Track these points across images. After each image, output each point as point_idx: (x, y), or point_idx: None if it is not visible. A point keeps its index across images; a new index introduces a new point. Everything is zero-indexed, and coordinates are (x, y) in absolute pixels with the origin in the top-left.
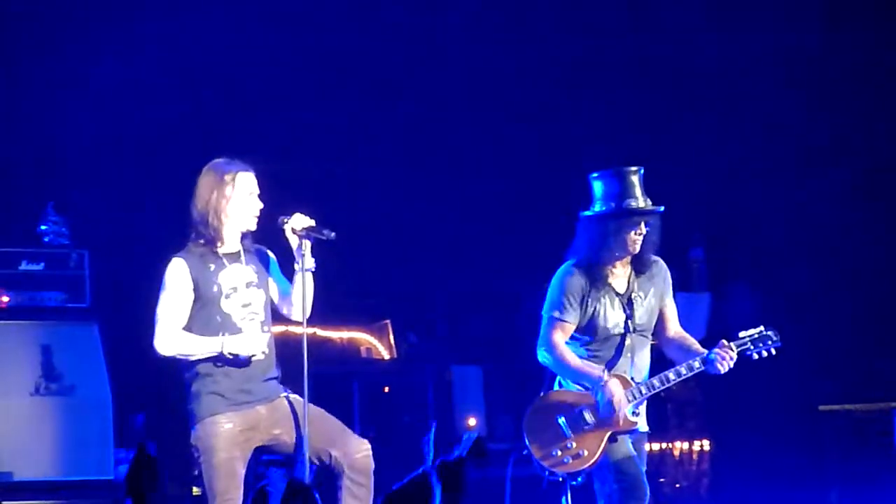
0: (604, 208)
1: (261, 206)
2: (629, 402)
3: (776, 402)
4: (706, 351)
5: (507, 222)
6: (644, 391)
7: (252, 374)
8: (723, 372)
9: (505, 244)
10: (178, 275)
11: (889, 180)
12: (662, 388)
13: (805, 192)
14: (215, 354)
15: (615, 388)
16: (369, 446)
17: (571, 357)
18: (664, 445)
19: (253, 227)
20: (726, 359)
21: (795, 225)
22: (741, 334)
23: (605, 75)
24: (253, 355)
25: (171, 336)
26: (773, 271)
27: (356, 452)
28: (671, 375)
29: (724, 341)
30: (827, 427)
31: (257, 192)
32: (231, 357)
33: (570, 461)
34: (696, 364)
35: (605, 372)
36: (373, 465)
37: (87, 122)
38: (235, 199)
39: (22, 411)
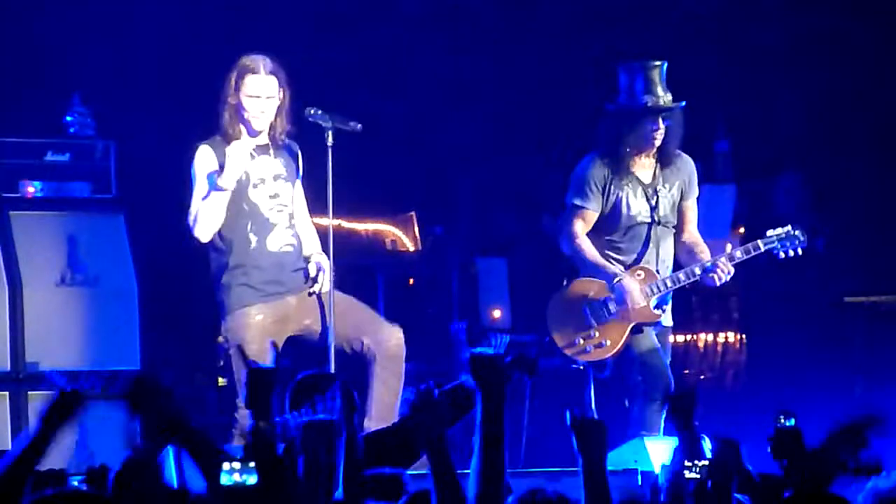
0: (624, 102)
1: (264, 110)
2: (648, 295)
3: (802, 293)
4: (709, 261)
5: (533, 111)
6: (664, 286)
7: (282, 265)
8: (716, 284)
9: (530, 134)
10: (205, 162)
11: None
12: (677, 286)
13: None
14: (224, 194)
15: (629, 284)
16: (401, 333)
17: (590, 249)
18: (689, 337)
19: (259, 129)
20: (721, 270)
21: (819, 115)
22: (769, 233)
23: None
24: (238, 172)
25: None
26: (798, 162)
27: (388, 339)
28: (681, 276)
29: (724, 257)
30: (852, 318)
31: (266, 95)
32: (223, 187)
33: (592, 350)
34: (697, 271)
35: (624, 272)
36: (404, 352)
37: (114, 10)
38: (241, 98)
39: (48, 301)
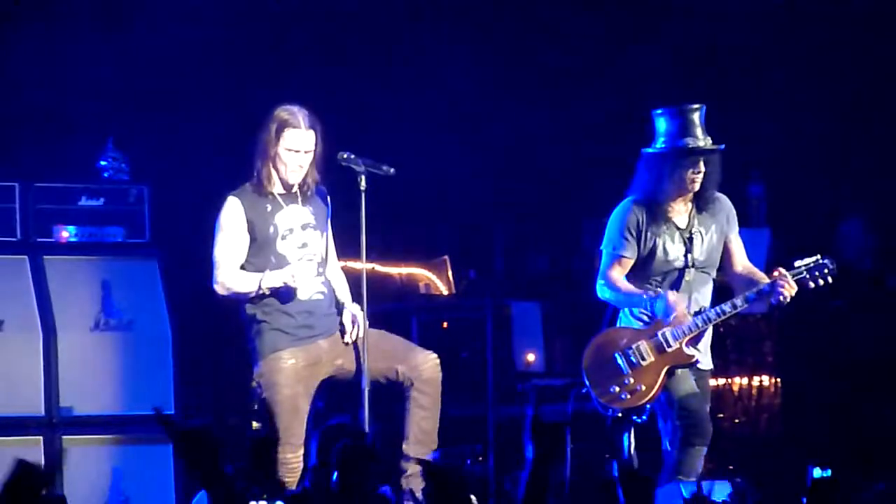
0: (663, 146)
1: (302, 164)
2: (685, 332)
3: (837, 338)
4: (767, 282)
5: (568, 156)
6: (701, 323)
7: (313, 311)
8: (783, 301)
9: (565, 178)
10: (233, 215)
11: None
12: (719, 319)
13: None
14: (260, 290)
15: (669, 293)
16: (436, 356)
17: (625, 284)
18: (724, 381)
19: (294, 182)
20: (785, 287)
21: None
22: (797, 263)
23: (666, 11)
24: (295, 287)
25: (226, 277)
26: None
27: (423, 363)
28: (726, 308)
29: (782, 270)
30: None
31: (305, 150)
32: (271, 292)
33: (628, 397)
34: (752, 295)
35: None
36: (440, 375)
37: (149, 55)
38: (279, 152)
39: (82, 346)
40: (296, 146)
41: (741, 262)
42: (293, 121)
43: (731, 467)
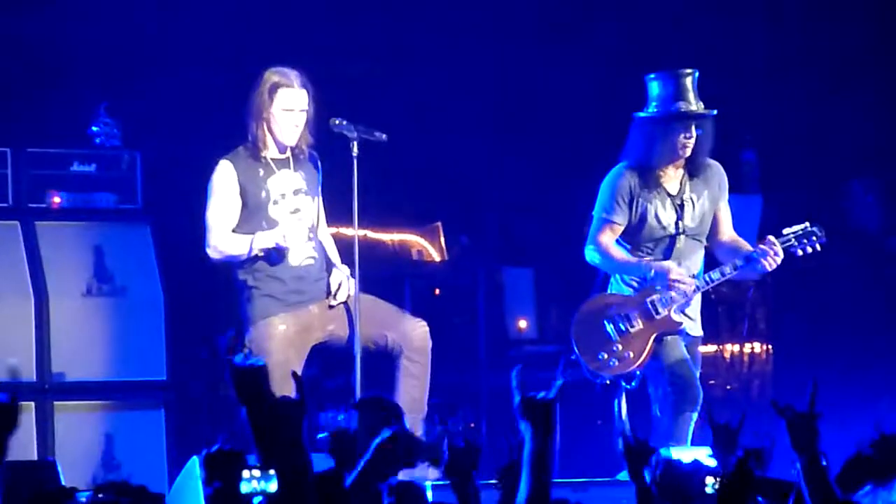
0: (655, 110)
1: (298, 123)
2: (675, 299)
3: (829, 306)
4: (754, 250)
5: (561, 121)
6: (694, 281)
7: (304, 277)
8: (769, 269)
9: (558, 144)
10: (225, 179)
11: None
12: (708, 286)
13: (857, 95)
14: (252, 252)
15: (666, 264)
16: (425, 325)
17: (618, 252)
18: (716, 348)
19: (290, 143)
20: (769, 255)
21: (849, 131)
22: (785, 231)
23: None
24: (286, 247)
25: (218, 240)
26: (826, 177)
27: (413, 331)
28: (716, 275)
29: (771, 237)
30: (878, 333)
31: (299, 108)
32: (264, 253)
33: (616, 364)
34: (739, 262)
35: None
36: (430, 343)
37: (140, 21)
38: (273, 113)
39: (74, 312)
40: (290, 105)
41: (727, 231)
42: (286, 80)
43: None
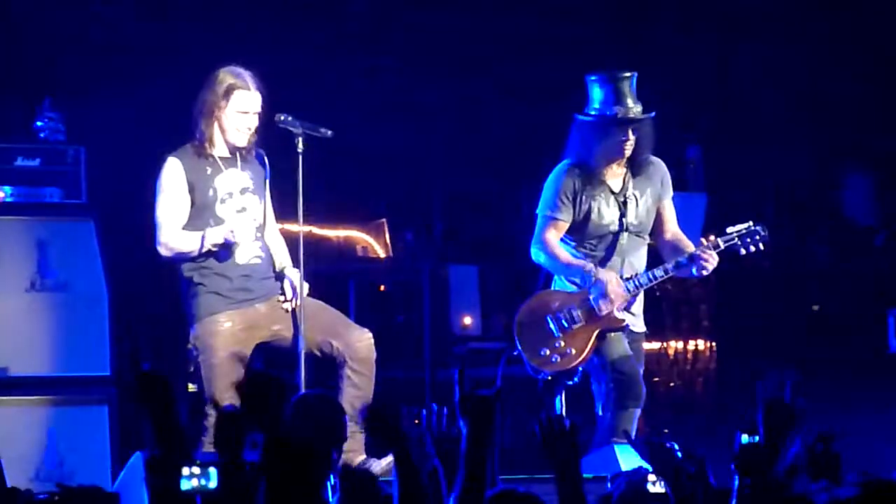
0: (594, 113)
1: (252, 126)
2: (626, 291)
3: (772, 301)
4: (691, 252)
5: (506, 119)
6: (633, 288)
7: (250, 275)
8: (705, 272)
9: (504, 141)
10: (173, 176)
11: None
12: (650, 284)
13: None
14: (203, 248)
15: (607, 275)
16: (370, 335)
17: (563, 253)
18: (660, 345)
19: (241, 144)
20: (702, 260)
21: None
22: (729, 229)
23: None
24: (234, 242)
25: (169, 237)
26: (771, 171)
27: (357, 341)
28: (658, 272)
29: (712, 237)
30: (820, 328)
31: (253, 111)
32: (214, 248)
33: (558, 360)
34: (683, 260)
35: (596, 267)
36: (374, 354)
37: (86, 16)
38: (227, 114)
39: (17, 307)
40: (245, 108)
41: (671, 228)
42: (241, 83)
43: (665, 431)
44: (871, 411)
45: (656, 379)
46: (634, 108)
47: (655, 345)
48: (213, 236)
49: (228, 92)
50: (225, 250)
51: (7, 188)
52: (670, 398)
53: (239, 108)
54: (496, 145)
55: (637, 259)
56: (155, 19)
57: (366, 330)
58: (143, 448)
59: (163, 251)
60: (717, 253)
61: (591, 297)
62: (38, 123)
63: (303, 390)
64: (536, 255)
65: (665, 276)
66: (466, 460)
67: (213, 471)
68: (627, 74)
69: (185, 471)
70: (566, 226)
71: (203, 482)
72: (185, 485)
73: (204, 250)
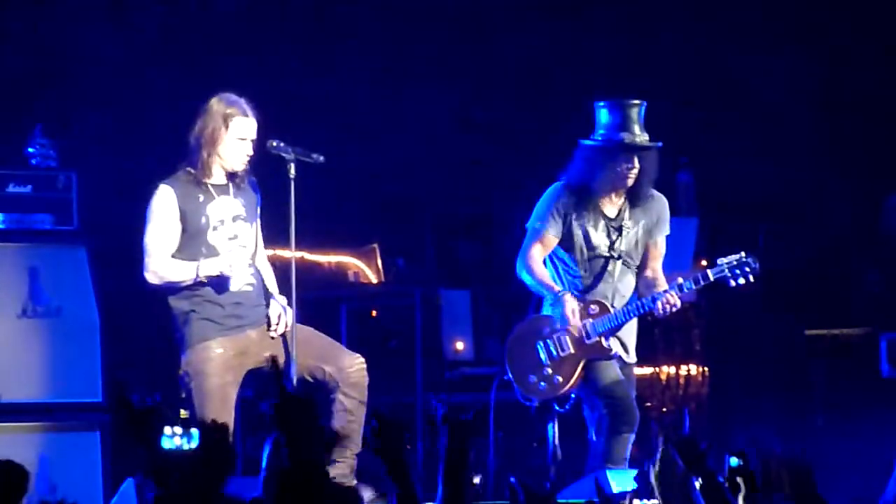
0: (600, 138)
1: (250, 153)
2: (605, 326)
3: (763, 326)
4: (657, 293)
5: (499, 145)
6: (622, 317)
7: (242, 302)
8: (660, 314)
9: (495, 167)
10: (165, 203)
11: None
12: (628, 319)
13: (793, 113)
14: (195, 280)
15: (568, 301)
16: (363, 360)
17: (541, 269)
18: (651, 370)
19: (238, 170)
20: (664, 303)
21: (783, 146)
22: (720, 261)
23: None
24: (230, 276)
25: (158, 265)
26: (758, 197)
27: (349, 367)
28: (631, 309)
29: (703, 265)
30: (813, 352)
31: (251, 137)
32: (207, 280)
33: (545, 387)
34: (645, 303)
35: (564, 291)
36: (367, 379)
37: (77, 42)
38: (226, 141)
39: (9, 333)
40: (244, 134)
41: (653, 266)
42: (239, 110)
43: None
44: (864, 436)
45: (648, 404)
46: (641, 136)
47: (647, 370)
48: (209, 268)
49: (227, 119)
50: (220, 281)
51: None
52: (662, 423)
53: (238, 136)
54: (489, 168)
55: (626, 286)
56: (148, 46)
57: (358, 355)
58: (134, 474)
59: (151, 279)
60: (707, 285)
61: (556, 326)
62: (30, 150)
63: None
64: (520, 271)
65: (637, 314)
66: (444, 481)
67: (194, 431)
68: (636, 102)
69: (167, 430)
70: (554, 242)
71: (183, 441)
72: (167, 443)
73: (198, 281)
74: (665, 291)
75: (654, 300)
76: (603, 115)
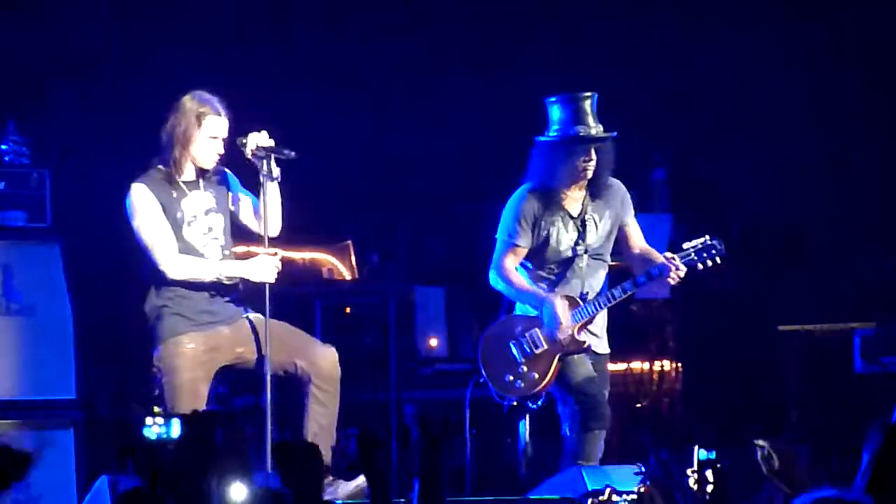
0: (555, 134)
1: (221, 151)
2: (576, 319)
3: (737, 322)
4: (656, 266)
5: (470, 141)
6: (592, 309)
7: (215, 296)
8: (672, 283)
9: (467, 163)
10: (146, 200)
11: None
12: (610, 304)
13: (765, 106)
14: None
15: (557, 302)
16: (335, 352)
17: (518, 279)
18: (625, 366)
19: (210, 167)
20: (671, 270)
21: (754, 145)
22: (685, 245)
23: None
24: (266, 282)
25: (177, 259)
26: (734, 192)
27: (322, 359)
28: (616, 292)
29: (668, 254)
30: (787, 348)
31: (223, 136)
32: (220, 281)
33: (522, 385)
34: (642, 279)
35: (551, 292)
36: (339, 372)
37: (50, 40)
38: (198, 140)
39: None
40: (216, 133)
41: (638, 244)
42: (211, 108)
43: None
44: (838, 431)
45: (639, 405)
46: (596, 127)
47: (621, 366)
48: (230, 270)
49: (200, 117)
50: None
51: None
52: (637, 419)
53: (211, 134)
54: (461, 165)
55: (597, 281)
56: (121, 42)
57: (330, 346)
58: (108, 471)
59: (173, 274)
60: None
61: (544, 322)
62: (3, 147)
63: (269, 414)
64: (495, 280)
65: (625, 295)
66: (420, 485)
67: (175, 420)
68: (587, 94)
69: (148, 420)
70: (525, 251)
71: (164, 430)
72: (148, 433)
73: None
74: (670, 259)
75: (660, 273)
76: (555, 111)
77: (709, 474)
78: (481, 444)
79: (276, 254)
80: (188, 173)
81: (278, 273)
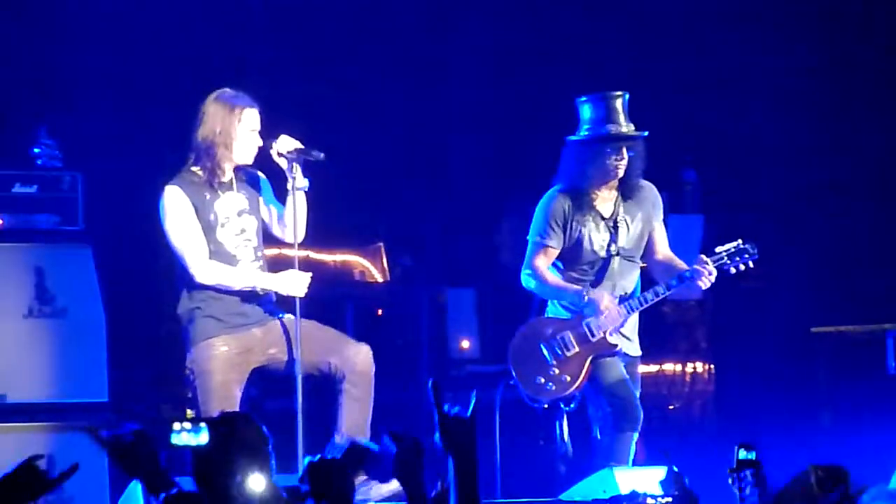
0: (585, 133)
1: (260, 143)
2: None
3: (770, 323)
4: (687, 269)
5: (502, 141)
6: (624, 312)
7: (247, 298)
8: (703, 288)
9: (499, 165)
10: (179, 202)
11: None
12: (642, 307)
13: (797, 111)
14: (246, 287)
15: (598, 294)
16: (368, 349)
17: (552, 277)
18: (657, 367)
19: (249, 162)
20: (704, 274)
21: (787, 144)
22: (717, 249)
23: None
24: (295, 296)
25: (207, 264)
26: (765, 191)
27: (355, 356)
28: (649, 295)
29: (703, 257)
30: (819, 349)
31: (258, 128)
32: (262, 292)
33: (553, 388)
34: (673, 282)
35: (587, 287)
36: (373, 367)
37: (82, 43)
38: (240, 136)
39: (15, 334)
40: (253, 125)
41: (662, 250)
42: (245, 102)
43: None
44: (871, 432)
45: (654, 402)
46: (627, 126)
47: (653, 368)
48: (265, 282)
49: (238, 114)
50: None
51: (4, 215)
52: (668, 421)
53: (251, 127)
54: (493, 166)
55: (628, 283)
56: (153, 45)
57: (363, 343)
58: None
59: (203, 279)
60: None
61: (585, 318)
62: (35, 150)
63: (300, 416)
64: (527, 281)
65: (657, 298)
66: (457, 490)
67: (203, 426)
68: (619, 93)
69: (176, 426)
70: (556, 252)
71: (193, 437)
72: (176, 439)
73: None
74: (695, 266)
75: (692, 277)
76: (586, 111)
77: (749, 474)
78: (514, 445)
79: (310, 273)
80: (224, 173)
81: (310, 275)
